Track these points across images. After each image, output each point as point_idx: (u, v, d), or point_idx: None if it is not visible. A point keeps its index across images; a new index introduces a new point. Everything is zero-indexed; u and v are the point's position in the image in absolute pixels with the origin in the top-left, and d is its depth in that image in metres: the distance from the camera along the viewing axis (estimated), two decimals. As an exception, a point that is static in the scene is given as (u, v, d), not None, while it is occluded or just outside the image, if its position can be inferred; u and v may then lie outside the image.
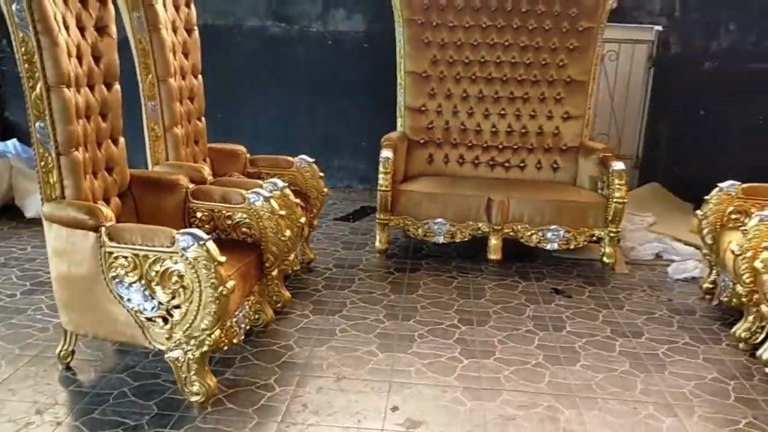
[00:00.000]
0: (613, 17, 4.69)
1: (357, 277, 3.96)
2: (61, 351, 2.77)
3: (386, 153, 4.19)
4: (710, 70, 5.47)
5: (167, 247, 2.41)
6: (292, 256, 3.47)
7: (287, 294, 3.40)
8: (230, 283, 2.45)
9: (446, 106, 4.71)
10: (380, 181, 4.15)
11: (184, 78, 3.55)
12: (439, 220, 4.23)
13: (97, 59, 2.74)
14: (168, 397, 2.60)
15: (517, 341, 3.22)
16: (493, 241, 4.20)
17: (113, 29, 2.82)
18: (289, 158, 3.94)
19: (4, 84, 5.84)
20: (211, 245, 2.41)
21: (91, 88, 2.71)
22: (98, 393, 2.62)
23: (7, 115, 5.92)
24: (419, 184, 4.40)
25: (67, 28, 2.54)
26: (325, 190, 4.03)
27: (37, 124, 2.49)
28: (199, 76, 3.73)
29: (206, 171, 3.33)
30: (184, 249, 2.38)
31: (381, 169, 4.14)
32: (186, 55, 3.58)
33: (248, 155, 3.96)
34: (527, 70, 4.66)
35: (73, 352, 2.78)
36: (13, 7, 2.37)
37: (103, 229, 2.46)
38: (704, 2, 5.37)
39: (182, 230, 2.43)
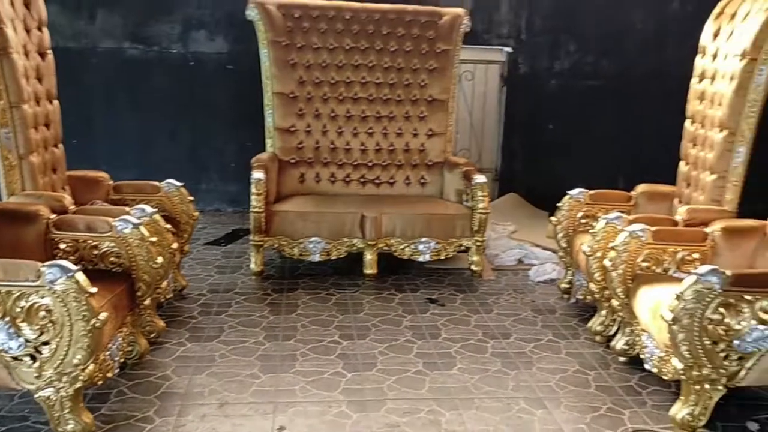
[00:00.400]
0: (467, 40, 4.97)
1: (233, 300, 3.92)
2: None
3: (258, 174, 4.19)
4: (555, 87, 5.95)
5: (32, 281, 2.28)
6: (164, 284, 3.37)
7: (161, 323, 3.30)
8: (103, 315, 2.36)
9: (315, 126, 4.79)
10: (253, 203, 4.13)
11: (38, 103, 3.36)
12: (314, 238, 4.27)
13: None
14: (39, 440, 2.46)
15: (397, 351, 3.33)
16: (368, 256, 4.31)
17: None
18: (156, 183, 3.84)
19: None
20: (81, 276, 2.32)
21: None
22: (-43, 444, 2.42)
23: None
24: (292, 203, 4.43)
25: None
26: (196, 214, 3.96)
27: None
28: (55, 101, 3.55)
29: (68, 200, 3.18)
30: (51, 282, 2.27)
31: (253, 190, 4.13)
32: (40, 80, 3.40)
33: (111, 182, 3.81)
34: (391, 89, 4.84)
35: (-77, 403, 2.55)
36: None
37: (-45, 266, 2.29)
38: (546, 26, 5.83)
39: (48, 262, 2.31)
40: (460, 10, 4.88)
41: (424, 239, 4.35)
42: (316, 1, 4.80)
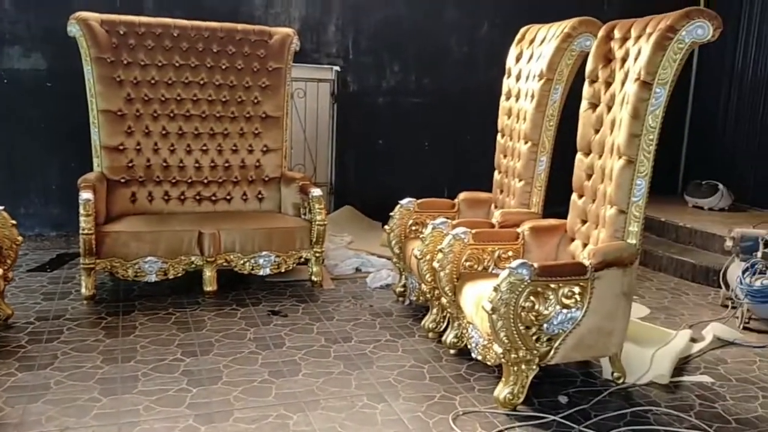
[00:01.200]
0: (297, 58, 5.14)
1: (65, 327, 3.74)
2: None
3: (86, 194, 4.05)
4: (383, 104, 6.30)
5: None
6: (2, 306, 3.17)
7: (-14, 355, 3.11)
8: (-77, 347, 2.21)
9: (146, 144, 4.70)
10: (82, 224, 3.98)
11: None
12: (149, 258, 4.20)
13: None
14: None
15: (242, 363, 3.38)
16: (208, 273, 4.31)
17: None
18: (-29, 207, 3.59)
19: None
20: None
21: None
22: None
23: None
24: (124, 224, 4.32)
25: None
26: (19, 238, 3.75)
27: None
28: None
29: None
30: None
31: (82, 211, 3.98)
32: None
33: None
34: (224, 107, 4.89)
35: None
36: None
37: None
38: (372, 47, 6.17)
39: None
40: (289, 30, 5.05)
41: (264, 253, 4.44)
42: (142, 18, 4.74)
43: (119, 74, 4.60)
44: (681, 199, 6.74)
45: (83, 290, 4.11)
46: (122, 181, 4.62)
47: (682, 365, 3.57)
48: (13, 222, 3.69)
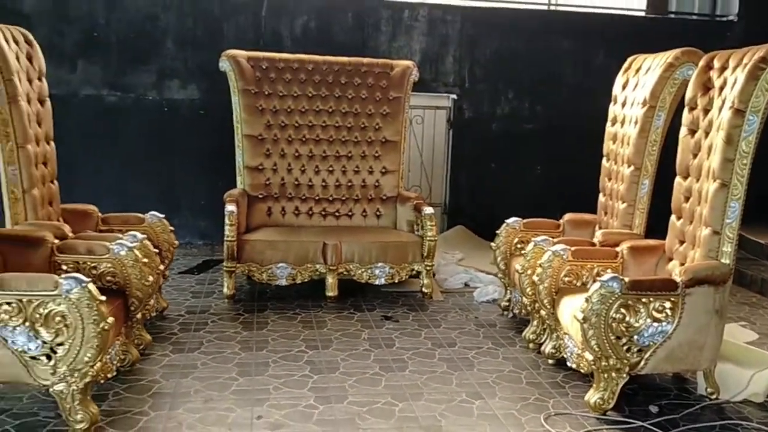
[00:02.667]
0: (416, 88, 5.60)
1: (209, 320, 4.36)
2: (-67, 402, 2.90)
3: (230, 207, 4.68)
4: (496, 130, 6.62)
5: (50, 291, 2.73)
6: (152, 301, 3.81)
7: (148, 336, 3.74)
8: (110, 319, 2.81)
9: (281, 165, 5.31)
10: (226, 233, 4.61)
11: (38, 144, 3.81)
12: (281, 264, 4.75)
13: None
14: (51, 429, 2.86)
15: (357, 358, 3.81)
16: (330, 280, 4.80)
17: (-20, 101, 3.10)
18: (140, 215, 4.30)
19: None
20: (92, 287, 2.77)
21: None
22: (-22, 435, 2.80)
23: None
24: (261, 233, 4.92)
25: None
26: (176, 242, 4.42)
27: None
28: (52, 143, 4.01)
29: (67, 228, 3.61)
30: (67, 291, 2.71)
31: (227, 221, 4.61)
32: (39, 124, 3.85)
33: (100, 214, 4.25)
34: (349, 132, 5.42)
35: (-55, 402, 2.93)
36: None
37: (-14, 279, 2.71)
38: (487, 76, 6.53)
39: (65, 275, 2.76)
40: (409, 63, 5.52)
41: (380, 264, 4.87)
42: (282, 55, 5.39)
43: (261, 103, 5.25)
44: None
45: (225, 290, 4.73)
46: (260, 196, 5.25)
47: (782, 388, 3.60)
48: (171, 228, 4.36)
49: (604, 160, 4.64)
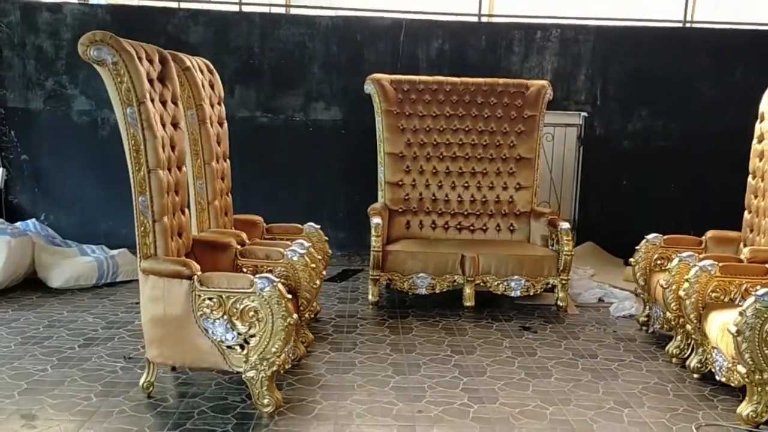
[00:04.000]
0: (548, 106, 5.76)
1: (358, 323, 4.70)
2: (144, 382, 3.37)
3: (377, 220, 5.03)
4: (628, 147, 6.63)
5: (247, 288, 3.13)
6: (315, 303, 4.19)
7: (311, 335, 4.12)
8: (295, 315, 3.17)
9: (419, 180, 5.62)
10: (373, 243, 4.95)
11: (217, 161, 4.31)
12: (421, 274, 5.04)
13: (173, 148, 3.49)
14: (240, 411, 3.25)
15: (501, 364, 4.02)
16: (467, 290, 5.03)
17: (183, 125, 3.60)
18: (299, 225, 4.72)
19: (11, 171, 6.39)
20: (281, 287, 3.15)
21: (169, 170, 3.44)
22: (182, 413, 3.23)
23: (11, 198, 6.44)
24: (402, 245, 5.23)
25: (162, 125, 3.30)
26: (330, 251, 4.80)
27: (139, 198, 3.20)
28: (228, 160, 4.50)
29: (244, 235, 4.06)
30: (261, 290, 3.10)
31: (373, 233, 4.96)
32: (219, 143, 4.36)
33: (264, 224, 4.71)
34: (484, 149, 5.65)
35: (153, 383, 3.39)
36: (127, 110, 3.12)
37: (195, 277, 3.15)
38: (620, 93, 6.57)
39: (258, 275, 3.15)
40: (544, 82, 5.70)
41: (515, 277, 5.05)
42: (422, 77, 5.72)
43: (402, 123, 5.59)
44: None
45: (370, 297, 5.07)
46: (400, 210, 5.57)
47: None
48: (326, 238, 4.75)
49: (750, 178, 4.61)
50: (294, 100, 6.48)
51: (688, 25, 6.78)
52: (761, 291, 3.21)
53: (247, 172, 6.40)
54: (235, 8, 6.54)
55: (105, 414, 3.20)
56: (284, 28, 6.45)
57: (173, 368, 3.69)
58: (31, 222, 5.69)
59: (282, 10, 6.87)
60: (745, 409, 3.27)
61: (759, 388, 3.24)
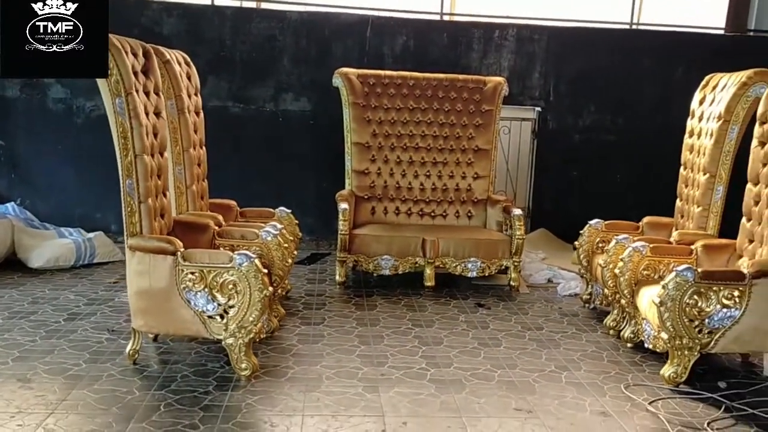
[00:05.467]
0: (505, 101, 6.17)
1: (327, 301, 5.06)
2: (130, 350, 3.68)
3: (344, 205, 5.39)
4: (578, 140, 7.10)
5: (226, 263, 3.46)
6: (287, 281, 4.53)
7: (283, 310, 4.46)
8: (270, 288, 3.52)
9: (384, 169, 5.99)
10: (340, 227, 5.31)
11: (194, 148, 4.61)
12: (385, 256, 5.41)
13: (155, 135, 3.79)
14: (220, 375, 3.59)
15: (457, 335, 4.42)
16: (428, 271, 5.43)
17: (164, 114, 3.90)
18: (271, 209, 5.05)
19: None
20: (258, 262, 3.49)
21: (152, 156, 3.74)
22: (166, 377, 3.56)
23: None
24: (367, 229, 5.60)
25: (146, 114, 3.60)
26: (300, 234, 5.15)
27: (126, 181, 3.50)
28: (204, 147, 4.80)
29: (221, 217, 4.38)
30: (240, 264, 3.44)
31: (340, 217, 5.32)
32: (196, 131, 4.66)
33: (238, 208, 5.03)
34: (445, 141, 6.05)
35: (138, 351, 3.70)
36: (116, 101, 3.42)
37: (179, 253, 3.47)
38: (571, 90, 7.03)
39: (237, 252, 3.49)
40: (501, 79, 6.11)
41: (472, 259, 5.46)
42: (387, 72, 6.08)
43: (368, 115, 5.95)
44: None
45: (337, 277, 5.43)
46: (365, 197, 5.94)
47: None
48: (297, 222, 5.09)
49: (681, 169, 5.09)
50: (264, 91, 6.78)
51: (634, 27, 7.27)
52: (681, 267, 3.67)
53: (219, 160, 6.65)
54: (208, 2, 6.80)
55: (95, 377, 3.51)
56: (255, 21, 6.74)
57: (155, 339, 4.01)
58: (10, 205, 5.90)
59: (253, 5, 7.14)
60: (667, 370, 3.73)
61: (679, 352, 3.70)
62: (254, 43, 6.72)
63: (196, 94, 4.74)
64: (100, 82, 3.42)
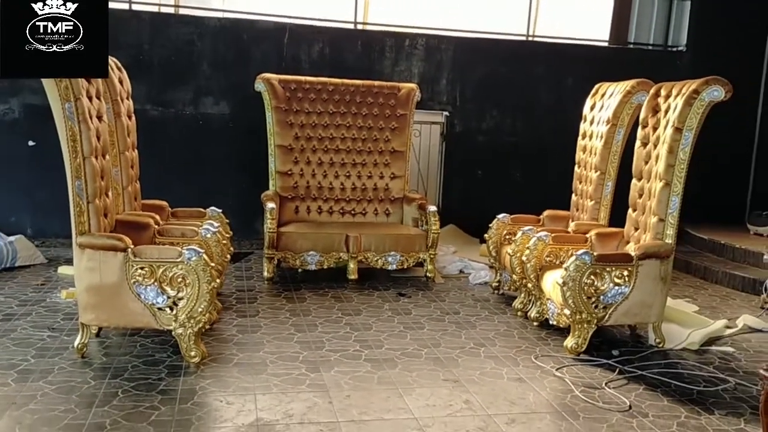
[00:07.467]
0: (416, 106, 6.64)
1: (258, 296, 5.32)
2: (79, 344, 3.82)
3: (271, 204, 5.66)
4: (482, 142, 7.70)
5: (176, 258, 3.68)
6: (223, 276, 4.76)
7: (219, 304, 4.69)
8: (218, 280, 3.77)
9: (307, 170, 6.31)
10: (268, 225, 5.59)
11: (129, 151, 4.75)
12: (311, 252, 5.73)
13: (98, 138, 3.94)
14: (169, 364, 3.80)
15: (384, 321, 4.82)
16: (351, 265, 5.80)
17: (105, 118, 4.06)
18: (201, 209, 5.25)
19: None
20: (206, 256, 3.73)
21: (96, 158, 3.90)
22: (117, 367, 3.73)
23: None
24: (293, 227, 5.90)
25: (91, 118, 3.76)
26: (230, 232, 5.38)
27: (75, 182, 3.65)
28: (136, 150, 4.95)
29: (158, 217, 4.56)
30: (188, 259, 3.67)
31: (268, 216, 5.59)
32: (129, 134, 4.80)
33: (170, 208, 5.19)
34: (363, 143, 6.44)
35: (86, 345, 3.84)
36: (66, 105, 3.57)
37: (129, 250, 3.66)
38: (475, 96, 7.62)
39: (186, 247, 3.72)
40: (413, 85, 6.58)
41: (392, 253, 5.88)
42: (308, 78, 6.40)
43: (290, 119, 6.24)
44: (744, 228, 7.70)
45: (265, 273, 5.69)
46: (289, 197, 6.23)
47: (712, 341, 4.69)
48: (228, 221, 5.32)
49: (576, 167, 5.74)
50: (184, 95, 6.93)
51: (530, 38, 7.95)
52: (579, 252, 4.24)
53: (140, 162, 6.75)
54: (126, 6, 6.86)
55: (46, 371, 3.63)
56: (173, 26, 6.88)
57: (98, 333, 4.15)
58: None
59: (171, 10, 7.26)
60: (569, 342, 4.29)
61: (579, 326, 4.26)
62: (173, 47, 6.86)
63: (128, 98, 4.87)
64: (49, 88, 3.55)
